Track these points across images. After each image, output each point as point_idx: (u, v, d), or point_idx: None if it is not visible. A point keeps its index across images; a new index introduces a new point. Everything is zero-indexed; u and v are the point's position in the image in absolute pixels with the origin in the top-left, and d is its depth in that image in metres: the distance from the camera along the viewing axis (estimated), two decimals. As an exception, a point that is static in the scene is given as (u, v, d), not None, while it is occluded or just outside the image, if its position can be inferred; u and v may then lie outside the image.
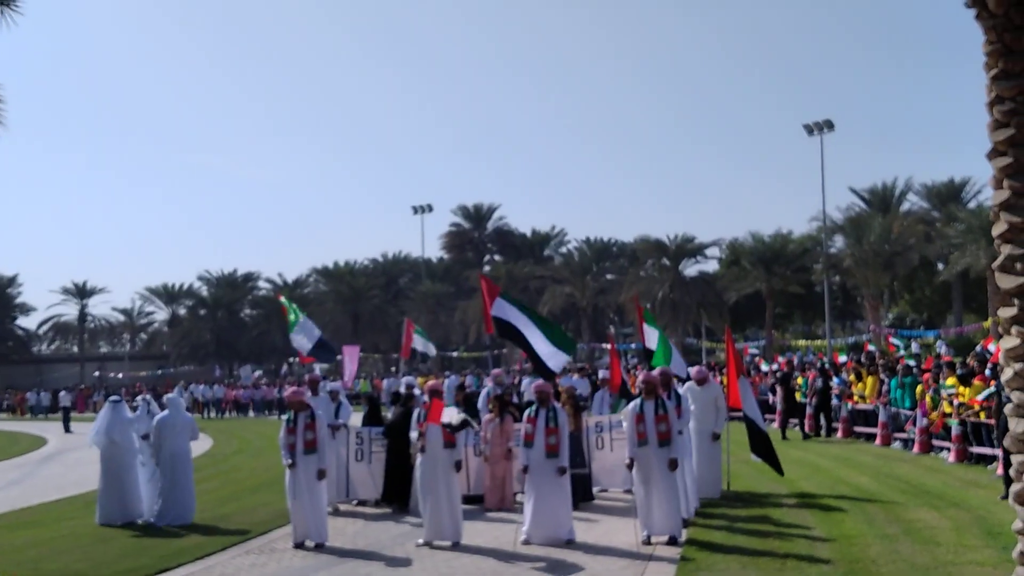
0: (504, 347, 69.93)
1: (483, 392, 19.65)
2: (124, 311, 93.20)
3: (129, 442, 15.01)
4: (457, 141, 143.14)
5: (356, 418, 17.13)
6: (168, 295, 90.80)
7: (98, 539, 13.64)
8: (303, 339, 19.09)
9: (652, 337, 16.99)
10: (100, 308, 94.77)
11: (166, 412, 14.89)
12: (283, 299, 19.46)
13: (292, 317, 19.19)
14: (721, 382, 18.52)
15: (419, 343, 24.51)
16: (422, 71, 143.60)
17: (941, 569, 9.80)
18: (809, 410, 26.19)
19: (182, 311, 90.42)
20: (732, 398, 16.21)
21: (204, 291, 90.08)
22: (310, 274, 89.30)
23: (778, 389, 27.13)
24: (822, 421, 25.59)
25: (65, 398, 47.24)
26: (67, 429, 41.70)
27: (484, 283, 16.10)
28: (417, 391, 16.69)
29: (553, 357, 14.87)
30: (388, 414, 17.24)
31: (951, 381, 19.81)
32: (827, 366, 29.27)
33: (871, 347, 36.60)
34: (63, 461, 28.08)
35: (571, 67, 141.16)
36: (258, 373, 56.41)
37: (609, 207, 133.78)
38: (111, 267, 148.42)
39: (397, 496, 15.19)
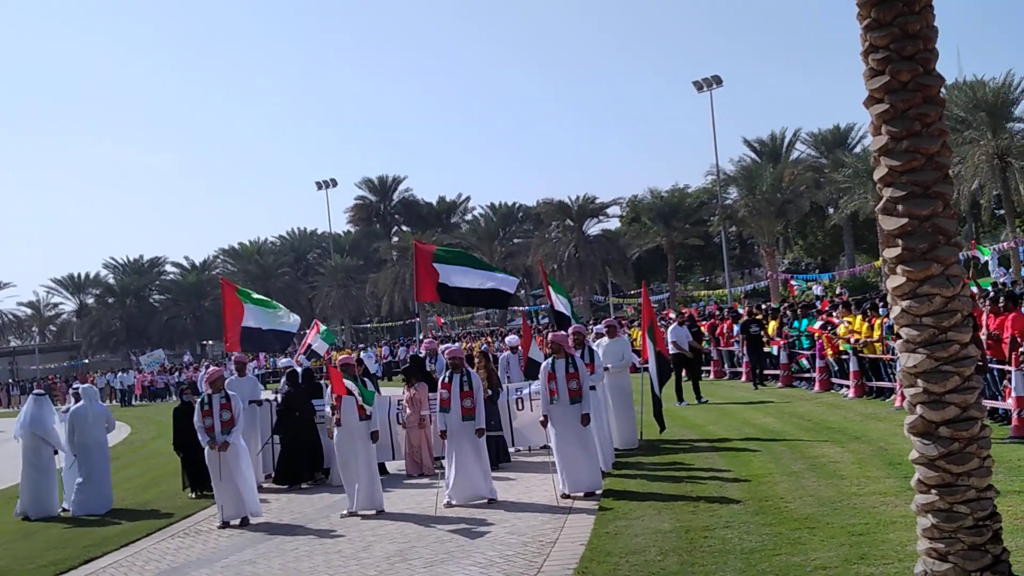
0: (417, 315, 69.76)
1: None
2: (30, 304, 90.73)
3: (49, 437, 14.80)
4: (358, 114, 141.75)
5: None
6: (75, 285, 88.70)
7: (20, 534, 13.47)
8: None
9: (560, 300, 17.21)
10: (6, 303, 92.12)
11: (80, 403, 14.74)
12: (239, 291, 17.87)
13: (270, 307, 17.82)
14: (630, 335, 18.91)
15: (317, 342, 23.45)
16: (321, 47, 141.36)
17: (846, 501, 10.19)
18: (746, 359, 26.26)
19: (90, 300, 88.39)
20: (645, 351, 16.56)
21: (111, 279, 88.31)
22: (217, 255, 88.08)
23: (742, 339, 25.54)
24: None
25: None
26: None
27: (418, 249, 16.19)
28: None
29: (503, 282, 15.68)
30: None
31: (847, 319, 20.53)
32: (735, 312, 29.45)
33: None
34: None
35: (463, 37, 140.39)
36: (159, 362, 55.24)
37: (512, 172, 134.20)
38: (13, 261, 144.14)
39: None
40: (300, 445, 15.07)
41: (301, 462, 15.15)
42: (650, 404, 16.55)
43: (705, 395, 21.69)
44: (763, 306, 31.26)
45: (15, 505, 14.84)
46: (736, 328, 27.05)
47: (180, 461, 15.17)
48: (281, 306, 18.40)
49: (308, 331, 22.53)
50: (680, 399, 21.29)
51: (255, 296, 18.04)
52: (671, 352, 21.67)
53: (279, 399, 16.15)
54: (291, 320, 17.78)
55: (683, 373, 22.40)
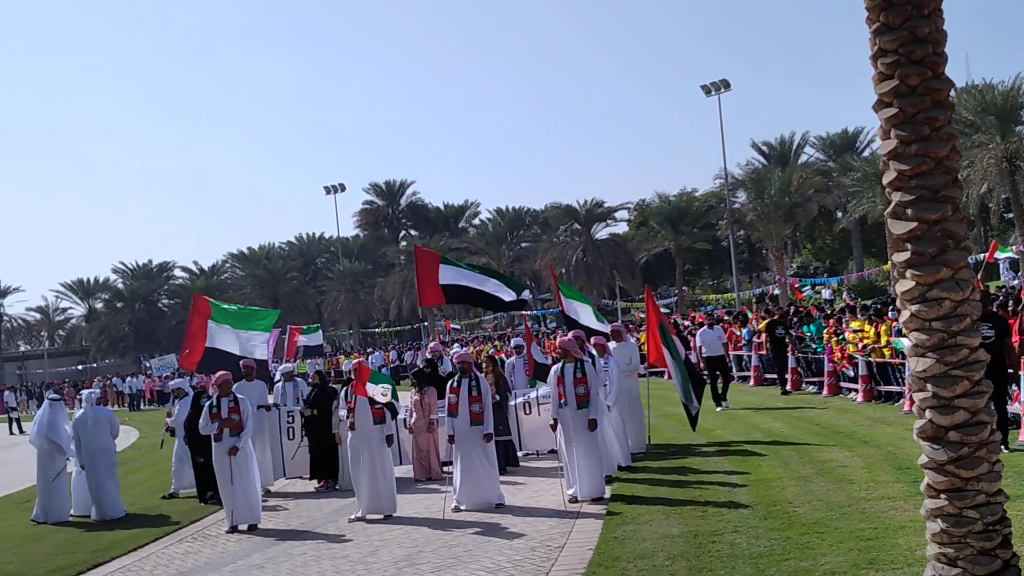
0: (425, 320, 69.79)
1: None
2: (39, 308, 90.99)
3: (60, 442, 14.81)
4: (366, 118, 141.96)
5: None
6: (84, 290, 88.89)
7: (28, 539, 13.48)
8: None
9: (570, 305, 17.19)
10: (15, 308, 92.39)
11: (83, 410, 14.73)
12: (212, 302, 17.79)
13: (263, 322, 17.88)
14: (638, 339, 18.85)
15: (305, 339, 23.47)
16: (326, 51, 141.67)
17: (855, 506, 10.17)
18: (754, 363, 25.99)
19: (99, 305, 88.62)
20: (652, 355, 16.50)
21: (120, 284, 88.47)
22: (226, 260, 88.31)
23: (763, 338, 25.13)
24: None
25: (10, 397, 44.88)
26: (21, 430, 39.81)
27: (418, 253, 16.20)
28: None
29: (504, 291, 16.00)
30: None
31: (856, 324, 20.48)
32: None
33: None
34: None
35: (470, 43, 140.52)
36: (171, 367, 55.41)
37: (520, 176, 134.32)
38: (23, 265, 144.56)
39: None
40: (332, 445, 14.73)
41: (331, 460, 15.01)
42: (656, 408, 16.52)
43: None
44: (768, 308, 31.17)
45: (27, 508, 14.86)
46: (745, 332, 27.05)
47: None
48: (263, 321, 18.11)
49: (286, 337, 22.31)
50: (720, 402, 20.73)
51: (233, 311, 17.90)
52: (705, 355, 21.43)
53: (306, 400, 15.85)
54: (261, 345, 17.64)
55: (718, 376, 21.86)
